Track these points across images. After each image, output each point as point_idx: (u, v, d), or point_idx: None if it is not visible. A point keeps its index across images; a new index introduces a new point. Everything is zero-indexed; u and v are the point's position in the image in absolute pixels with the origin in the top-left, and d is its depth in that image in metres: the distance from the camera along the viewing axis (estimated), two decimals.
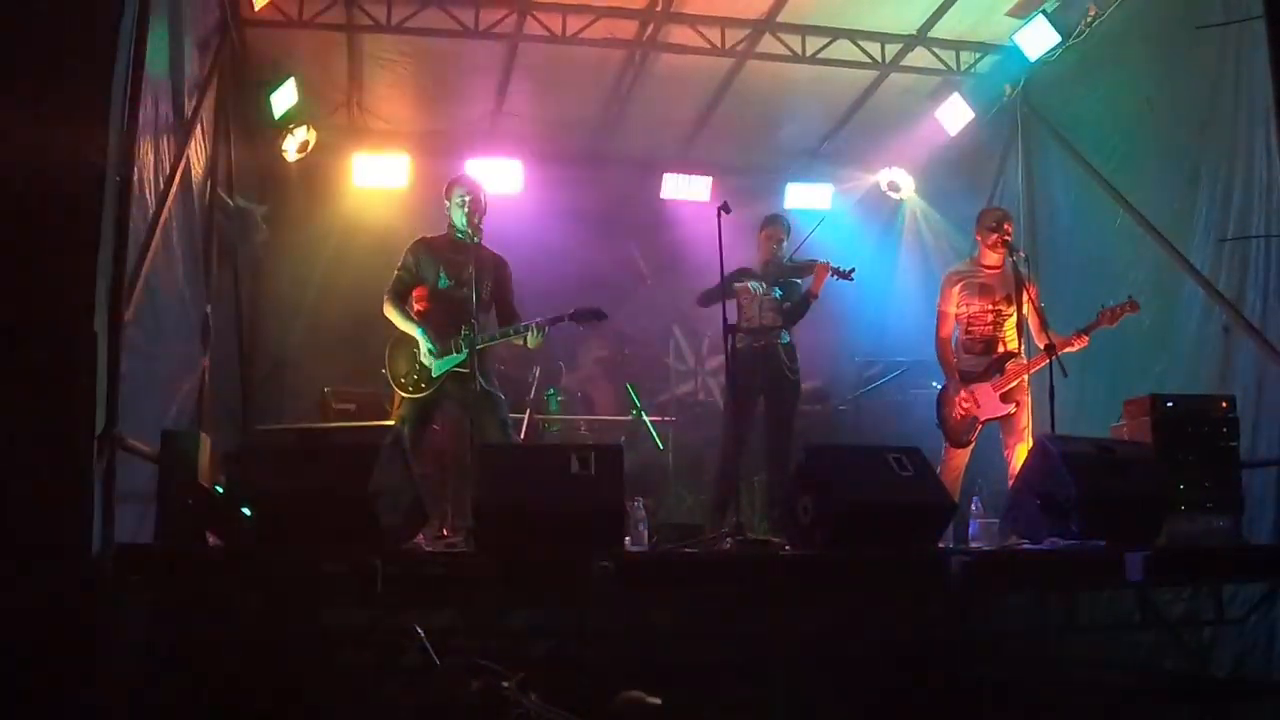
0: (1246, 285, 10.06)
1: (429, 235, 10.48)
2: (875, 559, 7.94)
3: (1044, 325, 10.66)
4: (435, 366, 10.00)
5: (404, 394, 10.13)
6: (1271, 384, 9.52)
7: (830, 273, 11.32)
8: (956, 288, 11.15)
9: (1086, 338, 10.32)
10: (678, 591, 7.99)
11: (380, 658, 7.81)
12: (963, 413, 10.86)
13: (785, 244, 11.69)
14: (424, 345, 10.01)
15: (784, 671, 8.18)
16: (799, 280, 11.63)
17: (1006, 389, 10.73)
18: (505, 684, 6.74)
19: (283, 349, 14.45)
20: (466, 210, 10.23)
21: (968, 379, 10.92)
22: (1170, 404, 9.55)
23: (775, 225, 11.73)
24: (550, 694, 6.91)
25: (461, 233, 10.26)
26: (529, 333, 10.03)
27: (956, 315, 11.13)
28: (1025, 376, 10.74)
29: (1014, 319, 10.91)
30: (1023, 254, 10.95)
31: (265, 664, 7.45)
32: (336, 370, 13.66)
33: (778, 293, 11.49)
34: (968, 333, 11.07)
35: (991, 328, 10.96)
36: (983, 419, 10.86)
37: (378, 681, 7.74)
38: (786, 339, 11.52)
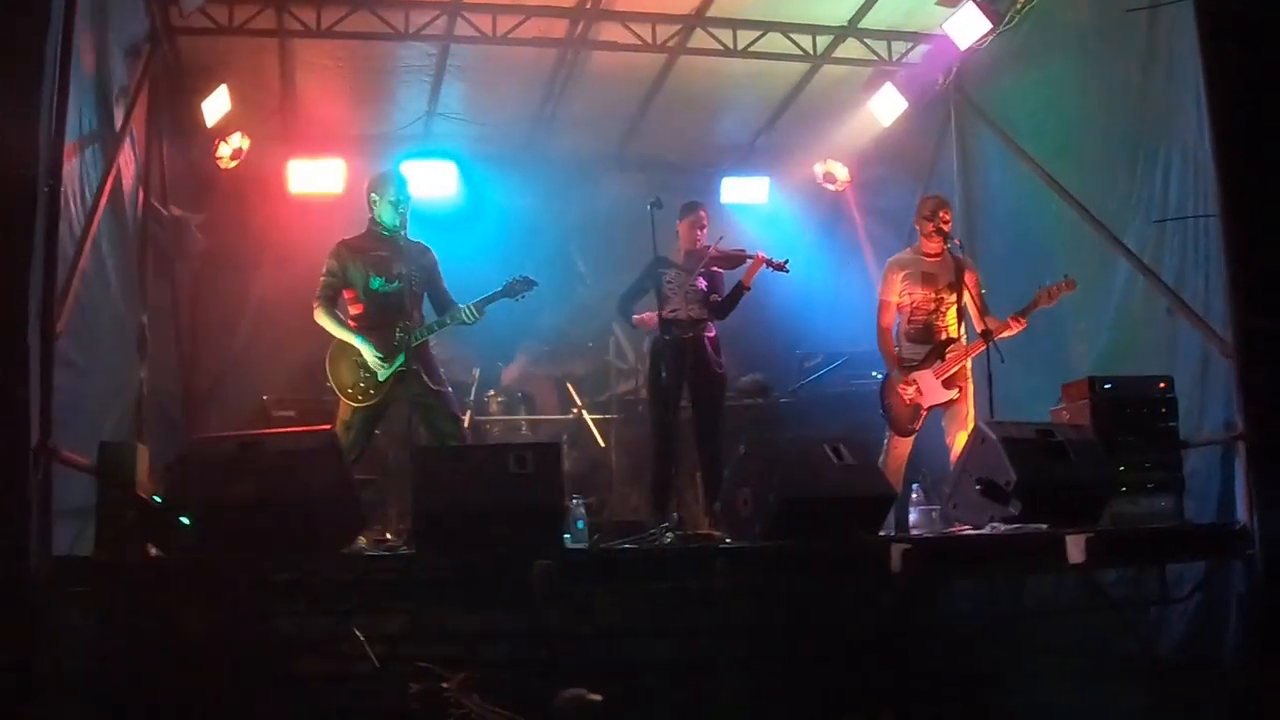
0: (1187, 266, 10.07)
1: (348, 237, 10.42)
2: (816, 549, 7.98)
3: (984, 311, 10.75)
4: (382, 371, 9.96)
5: (353, 404, 10.03)
6: (1215, 364, 9.55)
7: (765, 264, 11.29)
8: (899, 276, 11.23)
9: (1024, 320, 10.40)
10: (620, 588, 8.00)
11: (323, 664, 7.82)
12: (907, 400, 10.91)
13: (706, 231, 11.64)
14: (368, 353, 9.95)
15: (730, 665, 8.20)
16: (723, 271, 11.61)
17: (948, 375, 10.80)
18: (446, 685, 6.76)
19: (224, 358, 14.36)
20: (402, 209, 10.21)
21: (910, 367, 10.99)
22: (1108, 386, 9.60)
23: (694, 213, 11.63)
24: (494, 694, 6.93)
25: (388, 229, 10.26)
26: (465, 312, 10.04)
27: (899, 304, 11.21)
28: (967, 363, 10.81)
29: (955, 306, 10.97)
30: (958, 241, 11.00)
31: (209, 674, 7.43)
32: (278, 377, 13.65)
33: (701, 284, 11.43)
34: (910, 321, 11.15)
35: (933, 315, 11.05)
36: (926, 406, 10.94)
37: (320, 687, 7.74)
38: (712, 332, 11.46)
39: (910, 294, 11.12)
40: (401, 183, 10.43)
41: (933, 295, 11.05)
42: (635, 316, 11.55)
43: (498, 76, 14.37)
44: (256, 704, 7.59)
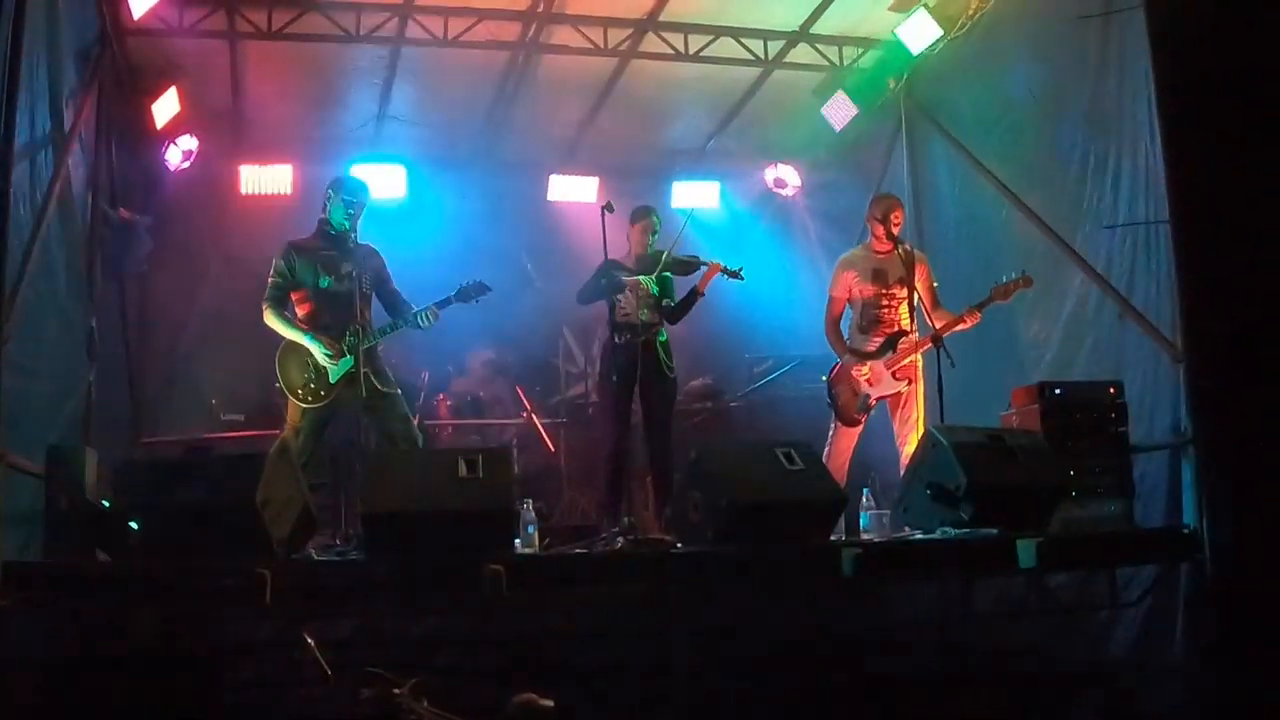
0: (1137, 271, 10.11)
1: (295, 238, 10.36)
2: (767, 553, 7.97)
3: (936, 304, 10.82)
4: (332, 372, 9.88)
5: (303, 405, 9.92)
6: (1165, 369, 9.59)
7: (720, 272, 11.28)
8: (849, 273, 11.30)
9: (979, 314, 10.44)
10: (570, 593, 7.98)
11: (273, 669, 7.78)
12: (859, 387, 10.96)
13: (658, 236, 11.62)
14: (318, 352, 9.85)
15: (681, 669, 8.19)
16: (673, 276, 11.56)
17: (898, 365, 10.84)
18: (397, 691, 6.74)
19: (173, 361, 14.30)
20: (352, 211, 10.17)
21: (862, 358, 11.00)
22: (1058, 391, 9.62)
23: (647, 217, 11.55)
24: (445, 699, 6.91)
25: (337, 229, 10.20)
26: (420, 317, 9.99)
27: (850, 300, 11.28)
28: (918, 358, 10.84)
29: (907, 302, 11.01)
30: (907, 246, 11.04)
31: (160, 679, 7.40)
32: (226, 381, 13.57)
33: (654, 288, 11.35)
34: (862, 315, 11.22)
35: (885, 310, 11.11)
36: (875, 396, 11.00)
37: (271, 693, 7.71)
38: (664, 336, 11.41)
39: (861, 290, 11.19)
40: (359, 186, 10.41)
41: (883, 290, 11.10)
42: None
43: (449, 79, 14.34)
44: (206, 709, 7.56)
